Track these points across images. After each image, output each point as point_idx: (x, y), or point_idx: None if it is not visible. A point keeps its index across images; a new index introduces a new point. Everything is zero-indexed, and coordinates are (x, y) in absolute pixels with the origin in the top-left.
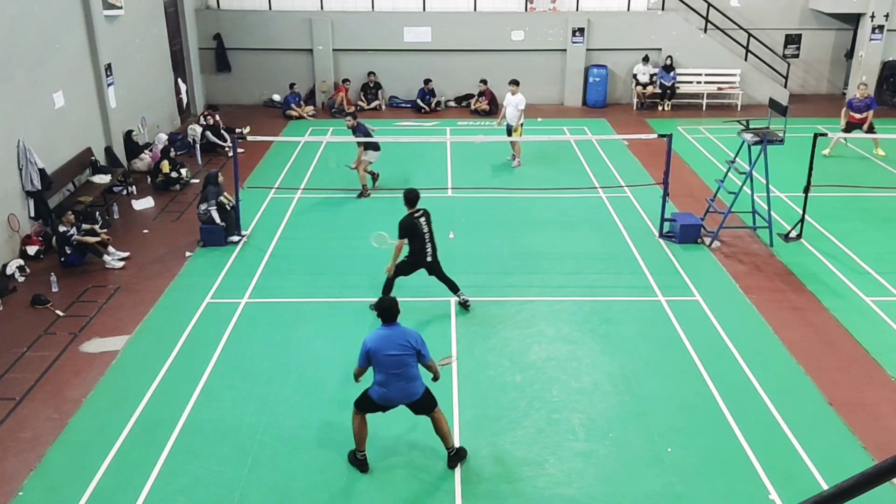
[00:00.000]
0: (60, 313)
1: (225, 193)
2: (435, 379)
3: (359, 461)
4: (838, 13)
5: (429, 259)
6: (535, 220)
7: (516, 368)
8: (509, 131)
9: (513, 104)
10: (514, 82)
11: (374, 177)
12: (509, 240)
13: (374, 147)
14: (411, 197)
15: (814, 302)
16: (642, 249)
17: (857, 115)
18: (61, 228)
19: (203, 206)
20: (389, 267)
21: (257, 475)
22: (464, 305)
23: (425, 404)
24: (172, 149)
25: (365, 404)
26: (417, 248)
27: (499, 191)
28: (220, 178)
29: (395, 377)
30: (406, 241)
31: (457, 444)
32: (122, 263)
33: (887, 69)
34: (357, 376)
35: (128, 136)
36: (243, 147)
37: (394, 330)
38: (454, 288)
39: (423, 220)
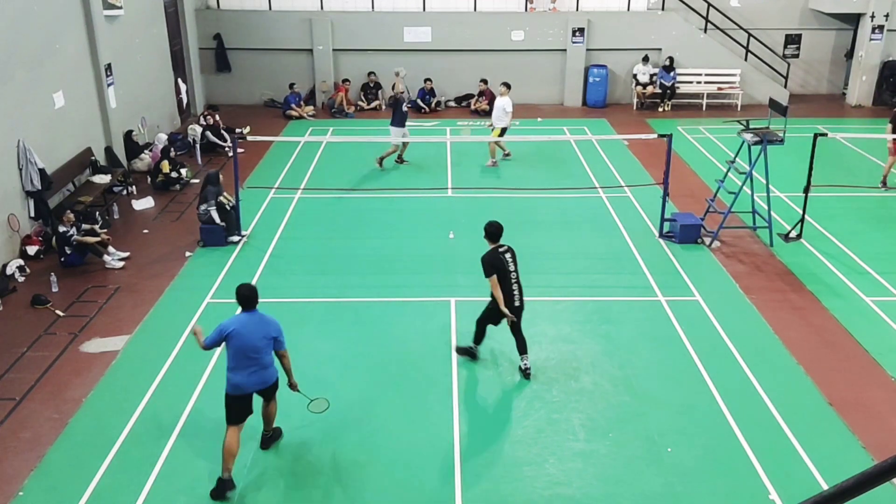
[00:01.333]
0: (60, 313)
1: (224, 193)
2: (290, 384)
3: (222, 483)
4: (838, 13)
5: (516, 304)
6: (536, 220)
7: (516, 368)
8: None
9: (497, 107)
10: (503, 84)
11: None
12: (510, 240)
13: (395, 123)
14: (492, 230)
15: (814, 302)
16: (642, 249)
17: None
18: (61, 228)
19: (203, 207)
20: (507, 316)
21: (257, 475)
22: (524, 373)
23: (274, 390)
24: (172, 149)
25: (230, 411)
26: (504, 290)
27: (499, 191)
28: (221, 178)
29: (251, 363)
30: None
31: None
32: (122, 263)
33: (887, 69)
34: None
35: (128, 136)
36: (243, 147)
37: (253, 316)
38: (523, 348)
39: (507, 255)
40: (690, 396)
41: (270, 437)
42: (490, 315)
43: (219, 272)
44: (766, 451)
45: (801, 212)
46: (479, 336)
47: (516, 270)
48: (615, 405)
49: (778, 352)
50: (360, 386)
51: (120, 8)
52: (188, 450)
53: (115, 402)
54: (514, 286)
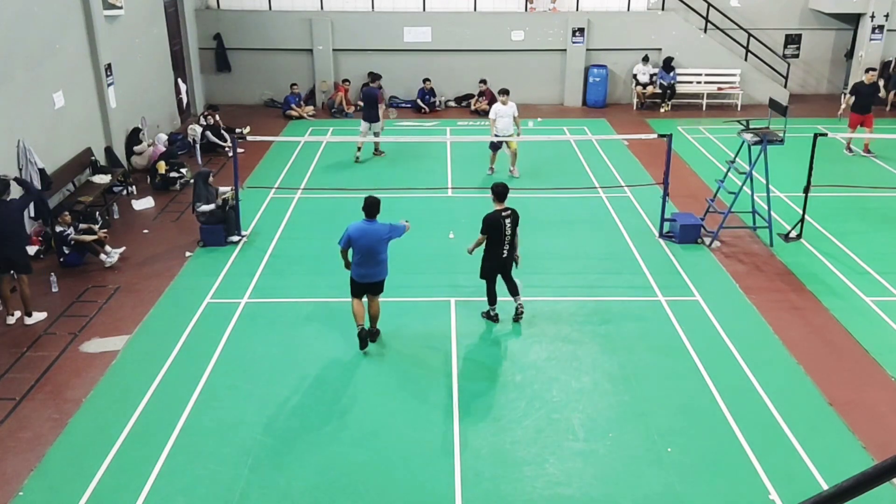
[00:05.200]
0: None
1: (226, 193)
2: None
3: (359, 336)
4: (838, 13)
5: (504, 256)
6: (535, 220)
7: (516, 368)
8: (502, 145)
9: (506, 115)
10: (505, 91)
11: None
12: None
13: (367, 118)
14: (498, 191)
15: (814, 302)
16: (642, 249)
17: None
18: (58, 228)
19: (198, 206)
20: (470, 248)
21: (257, 475)
22: (517, 315)
23: (380, 288)
24: (171, 148)
25: (353, 289)
26: (494, 248)
27: None
28: (211, 180)
29: (368, 259)
30: (486, 236)
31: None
32: (117, 256)
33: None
34: (343, 256)
35: (132, 134)
36: (243, 147)
37: (372, 225)
38: (514, 291)
39: (508, 221)
40: (690, 396)
41: (375, 334)
42: (485, 272)
43: (219, 272)
44: (766, 451)
45: (801, 212)
46: (491, 296)
47: (512, 234)
48: (615, 405)
49: (778, 352)
50: (360, 386)
51: (120, 8)
52: (188, 450)
53: (115, 402)
54: (505, 248)
